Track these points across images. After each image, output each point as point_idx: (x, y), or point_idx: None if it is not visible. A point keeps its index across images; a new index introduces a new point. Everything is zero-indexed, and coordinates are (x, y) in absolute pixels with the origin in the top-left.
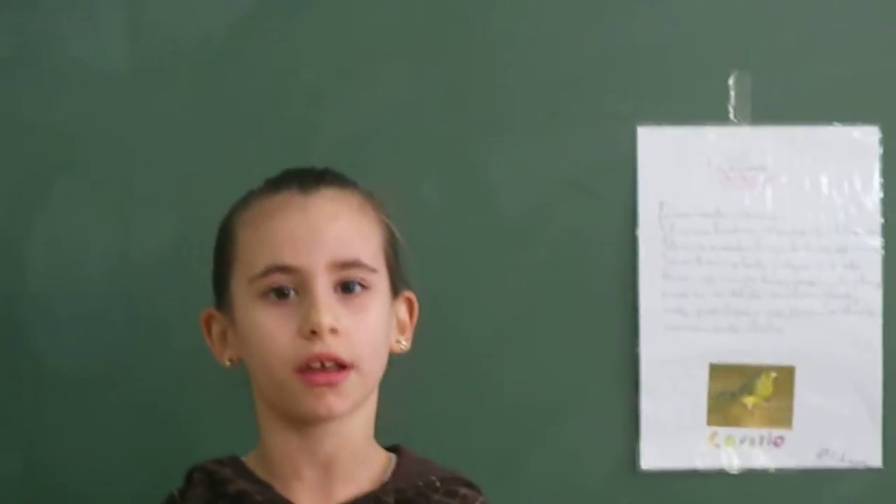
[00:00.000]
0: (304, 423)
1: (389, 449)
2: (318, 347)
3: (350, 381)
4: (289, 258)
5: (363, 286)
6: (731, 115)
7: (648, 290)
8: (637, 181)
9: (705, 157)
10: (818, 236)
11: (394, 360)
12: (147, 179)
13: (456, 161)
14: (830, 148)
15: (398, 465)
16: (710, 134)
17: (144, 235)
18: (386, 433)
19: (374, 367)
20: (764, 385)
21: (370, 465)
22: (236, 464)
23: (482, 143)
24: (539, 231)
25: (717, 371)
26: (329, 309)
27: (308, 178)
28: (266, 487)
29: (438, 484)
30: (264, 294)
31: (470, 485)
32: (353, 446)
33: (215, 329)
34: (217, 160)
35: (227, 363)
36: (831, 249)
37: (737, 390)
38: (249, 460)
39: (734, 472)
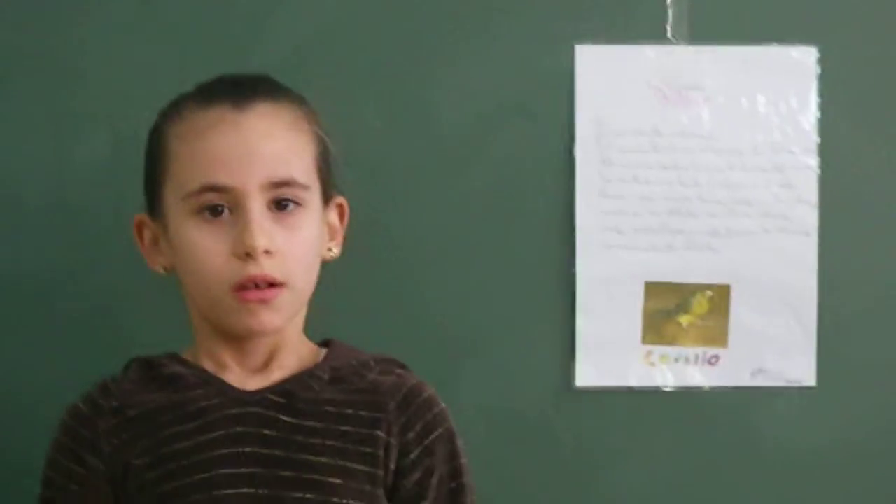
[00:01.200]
0: (238, 336)
1: (321, 345)
2: (252, 269)
3: (283, 297)
4: (223, 177)
5: (297, 203)
6: (669, 34)
7: (585, 209)
8: (574, 100)
9: (643, 76)
10: (755, 155)
11: (325, 269)
12: (81, 94)
13: (396, 83)
14: (768, 68)
15: (331, 350)
16: (649, 52)
17: (79, 150)
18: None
19: (306, 281)
20: (699, 304)
21: (304, 353)
22: (174, 355)
23: (421, 64)
24: (477, 150)
25: (653, 289)
26: (263, 230)
27: (241, 91)
28: (202, 371)
29: (373, 363)
30: (198, 212)
31: (404, 366)
32: (286, 343)
33: (147, 235)
34: (152, 75)
35: (161, 270)
36: (768, 169)
37: (672, 309)
38: (187, 354)
39: (669, 389)
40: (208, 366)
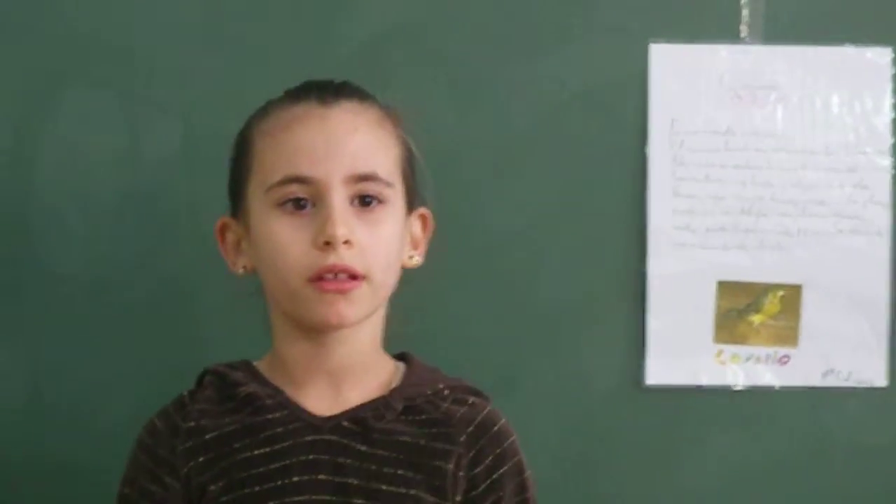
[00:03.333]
0: (315, 331)
1: (398, 357)
2: (331, 259)
3: (361, 290)
4: (306, 169)
5: (379, 200)
6: (744, 34)
7: (657, 208)
8: (648, 98)
9: (717, 76)
10: (828, 156)
11: (405, 274)
12: (155, 84)
13: (468, 78)
14: (842, 68)
15: (407, 372)
16: (723, 52)
17: (151, 141)
18: (393, 345)
19: (385, 279)
20: (771, 303)
21: (379, 372)
22: (248, 368)
23: (495, 59)
24: (549, 148)
25: (725, 288)
26: (344, 221)
27: (328, 90)
28: (277, 391)
29: (447, 392)
30: (280, 204)
31: (479, 393)
32: (363, 354)
33: (229, 238)
34: (226, 66)
35: (241, 271)
36: (841, 169)
37: (744, 308)
38: (261, 365)
39: (739, 389)
40: (284, 382)
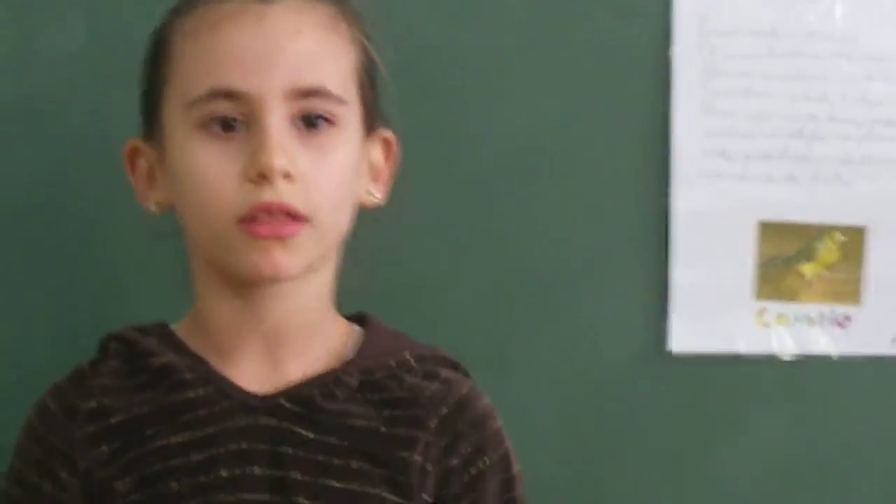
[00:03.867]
0: (247, 284)
1: (353, 319)
2: (266, 195)
3: (303, 235)
4: (237, 81)
5: (328, 121)
6: None
7: (685, 128)
8: None
9: None
10: None
11: (364, 214)
12: None
13: None
14: None
15: (365, 339)
16: None
17: (46, 39)
18: (351, 302)
19: (335, 220)
20: (828, 249)
21: (329, 337)
22: (164, 332)
23: None
24: (548, 52)
25: (769, 231)
26: (283, 148)
27: None
28: (199, 361)
29: (414, 363)
30: (204, 124)
31: (455, 365)
32: (308, 314)
33: (141, 165)
34: None
35: (154, 208)
36: None
37: (793, 256)
38: (181, 328)
39: (787, 358)
40: (208, 350)
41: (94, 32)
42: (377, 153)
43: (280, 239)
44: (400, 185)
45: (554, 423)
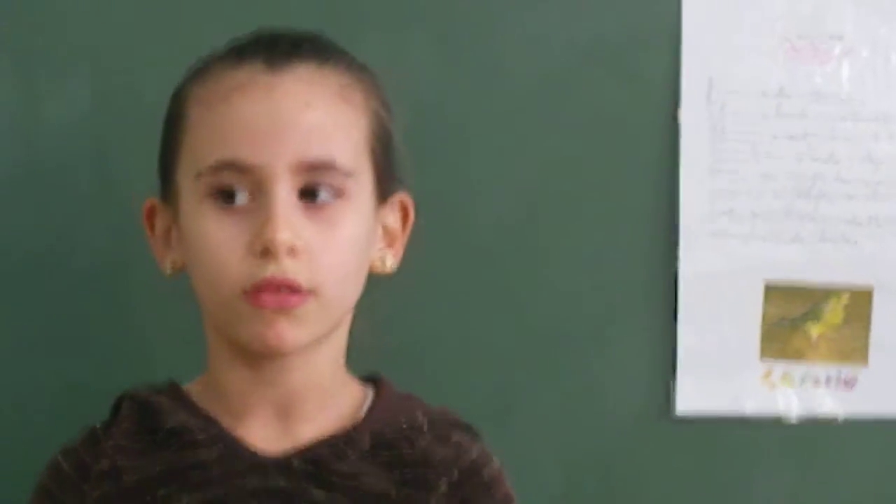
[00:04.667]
0: (256, 355)
1: (365, 380)
2: (271, 270)
3: (308, 307)
4: (245, 153)
5: (335, 194)
6: None
7: (692, 189)
8: (681, 51)
9: (767, 22)
10: None
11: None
12: (56, 33)
13: (452, 22)
14: None
15: (375, 401)
16: None
17: (52, 102)
18: (364, 364)
19: (341, 293)
20: (833, 310)
21: (340, 400)
22: (176, 392)
23: (486, 5)
24: (559, 113)
25: (775, 292)
26: (288, 222)
27: (279, 49)
28: (211, 422)
29: (425, 426)
30: (213, 194)
31: (465, 428)
32: (318, 382)
33: (159, 225)
34: (145, 7)
35: (169, 269)
36: None
37: (799, 316)
38: (193, 389)
39: (793, 419)
40: (220, 411)
41: (99, 97)
42: (393, 217)
43: (284, 311)
44: (409, 246)
45: (559, 482)
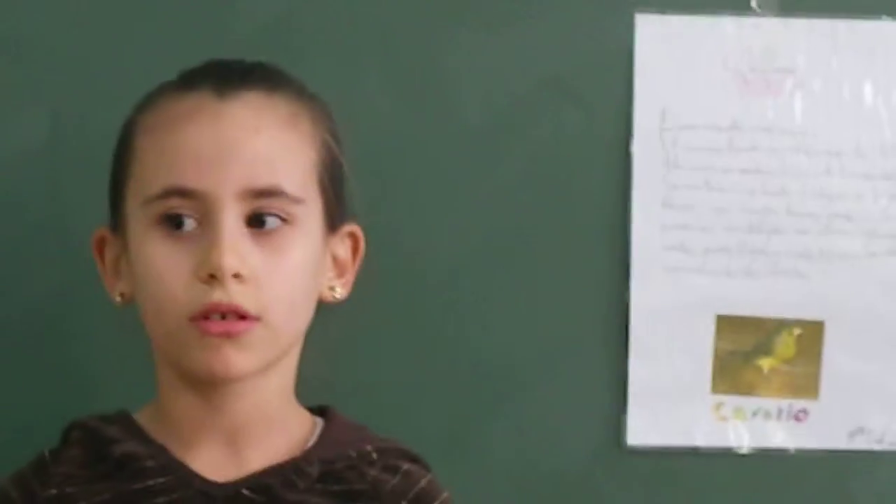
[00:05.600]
0: (203, 382)
1: (315, 412)
2: (217, 295)
3: (255, 333)
4: (192, 180)
5: (283, 220)
6: (754, 3)
7: (644, 222)
8: (633, 84)
9: (719, 56)
10: (858, 158)
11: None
12: (13, 64)
13: (407, 56)
14: (877, 47)
15: (325, 430)
16: (727, 26)
17: (9, 134)
18: (315, 395)
19: (289, 319)
20: (785, 344)
21: (290, 429)
22: (126, 421)
23: (441, 31)
24: (510, 144)
25: (727, 325)
26: (234, 248)
27: (230, 77)
28: (160, 450)
29: (375, 455)
30: (160, 221)
31: (414, 459)
32: (267, 409)
33: (108, 255)
34: (103, 40)
35: (118, 299)
36: (875, 175)
37: (750, 350)
38: (143, 417)
39: (745, 452)
40: (169, 439)
41: (54, 130)
42: (343, 248)
43: (231, 337)
44: (361, 277)
45: None
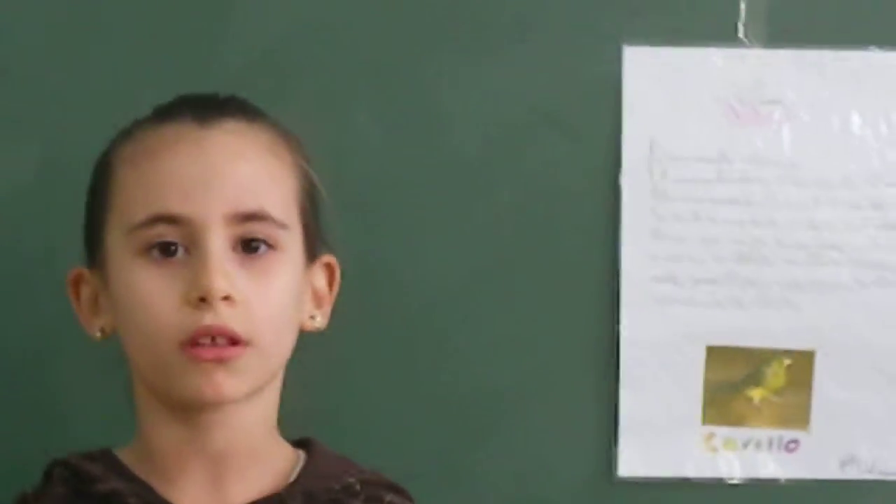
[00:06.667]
0: (189, 410)
1: (298, 444)
2: (207, 318)
3: (246, 358)
4: (177, 206)
5: (269, 245)
6: (742, 34)
7: (633, 253)
8: (622, 115)
9: (708, 87)
10: (847, 189)
11: (309, 336)
12: (2, 101)
13: (397, 89)
14: (865, 78)
15: (308, 463)
16: (715, 58)
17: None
18: (300, 426)
19: (277, 343)
20: (775, 374)
21: (272, 462)
22: (109, 458)
23: (431, 63)
24: (499, 176)
25: (717, 355)
26: (223, 271)
27: (208, 107)
28: (144, 487)
29: (358, 487)
30: (146, 250)
31: (398, 490)
32: (251, 440)
33: (85, 293)
34: (93, 76)
35: (98, 334)
36: (863, 206)
37: (740, 380)
38: (125, 455)
39: (735, 482)
40: (152, 475)
41: (45, 165)
42: (320, 279)
43: (222, 362)
44: (344, 307)
45: None
